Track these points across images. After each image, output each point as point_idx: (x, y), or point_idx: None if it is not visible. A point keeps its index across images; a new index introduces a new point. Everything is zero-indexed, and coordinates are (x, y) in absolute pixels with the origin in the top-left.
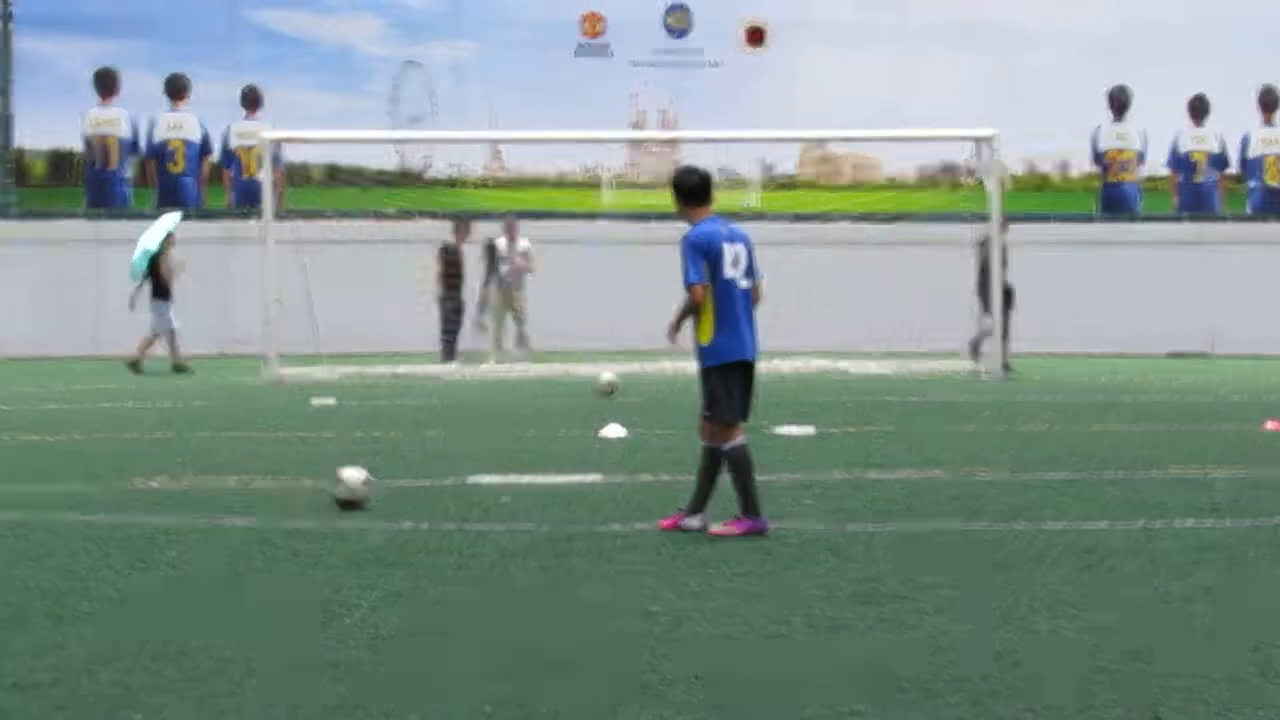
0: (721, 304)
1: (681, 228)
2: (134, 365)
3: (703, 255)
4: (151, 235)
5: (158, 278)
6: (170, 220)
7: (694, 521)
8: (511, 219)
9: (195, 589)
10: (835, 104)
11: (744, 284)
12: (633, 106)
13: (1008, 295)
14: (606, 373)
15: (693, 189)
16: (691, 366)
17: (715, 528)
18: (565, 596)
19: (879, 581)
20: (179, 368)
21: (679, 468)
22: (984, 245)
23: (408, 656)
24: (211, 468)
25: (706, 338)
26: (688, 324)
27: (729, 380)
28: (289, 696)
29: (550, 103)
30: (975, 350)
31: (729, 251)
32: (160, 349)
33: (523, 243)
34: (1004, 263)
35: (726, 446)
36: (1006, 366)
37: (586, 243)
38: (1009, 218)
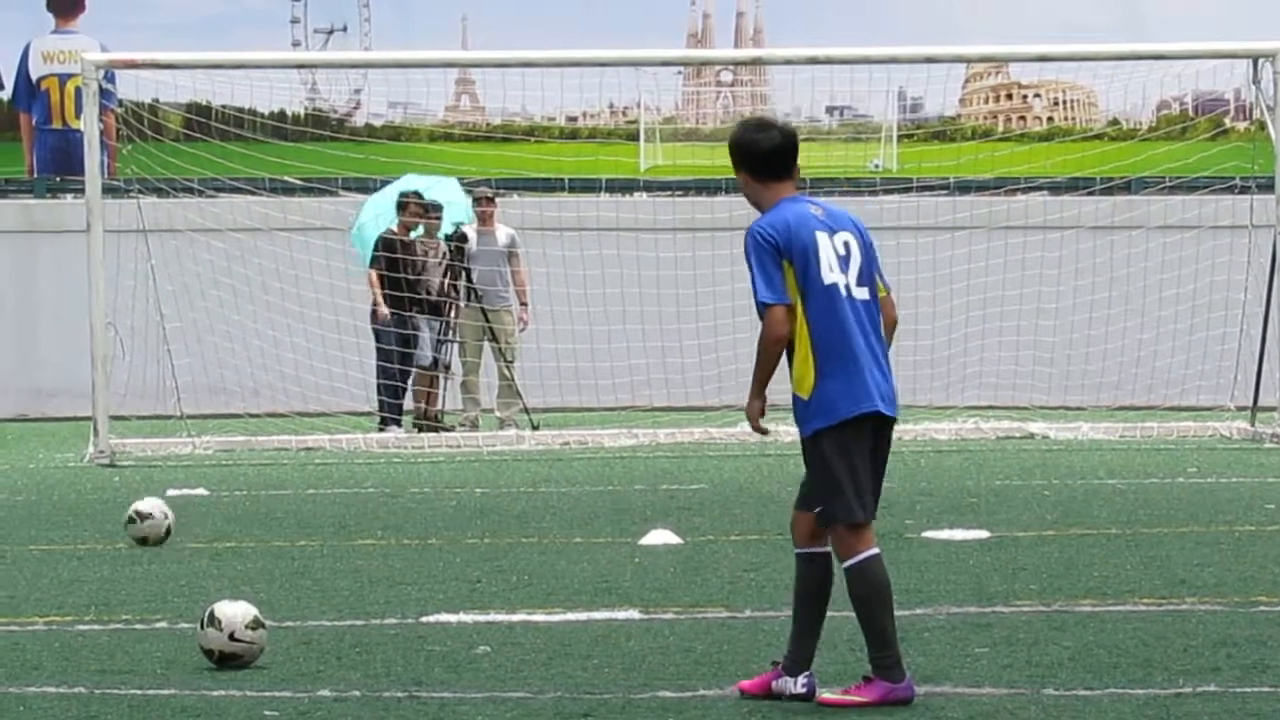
0: (824, 328)
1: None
2: (430, 422)
3: (777, 256)
4: (383, 205)
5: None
6: (444, 189)
7: (793, 684)
8: (487, 193)
9: None
10: (1023, 6)
11: (861, 292)
12: (694, 10)
13: None
14: (148, 503)
15: (767, 155)
16: (792, 429)
17: (827, 694)
18: None
19: None
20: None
21: (767, 596)
22: None
23: None
24: (10, 603)
25: (806, 387)
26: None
27: (850, 450)
28: None
29: (556, 8)
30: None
31: (828, 244)
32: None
33: (504, 231)
34: None
35: (850, 562)
36: None
37: (614, 230)
38: None
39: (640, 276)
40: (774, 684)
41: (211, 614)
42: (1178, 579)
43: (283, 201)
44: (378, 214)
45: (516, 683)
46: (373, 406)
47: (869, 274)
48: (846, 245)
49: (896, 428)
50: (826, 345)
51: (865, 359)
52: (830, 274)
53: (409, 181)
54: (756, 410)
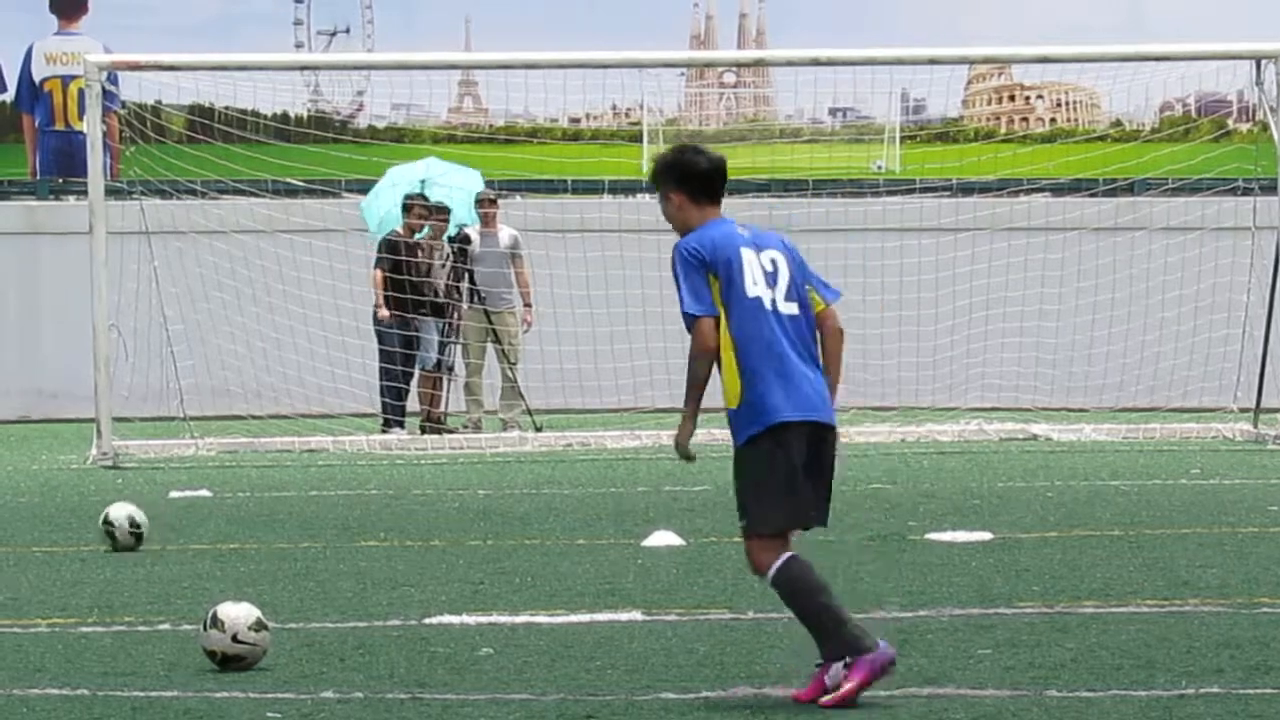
0: (749, 339)
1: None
2: (433, 423)
3: (704, 270)
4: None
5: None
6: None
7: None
8: (489, 194)
9: None
10: (1025, 7)
11: (789, 307)
12: (696, 12)
13: None
14: (123, 508)
15: (707, 176)
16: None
17: (825, 698)
18: None
19: None
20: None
21: (770, 598)
22: None
23: None
24: (13, 605)
25: (734, 397)
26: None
27: (776, 459)
28: None
29: (558, 10)
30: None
31: (753, 259)
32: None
33: (507, 233)
34: None
35: (771, 574)
36: None
37: (617, 232)
38: None
39: (643, 278)
40: (827, 677)
41: (214, 616)
42: (1181, 580)
43: (285, 203)
44: (392, 185)
45: (519, 684)
46: (376, 408)
47: (798, 291)
48: (774, 262)
49: (899, 429)
50: (752, 355)
51: (795, 368)
52: (754, 287)
53: (431, 165)
54: (688, 434)
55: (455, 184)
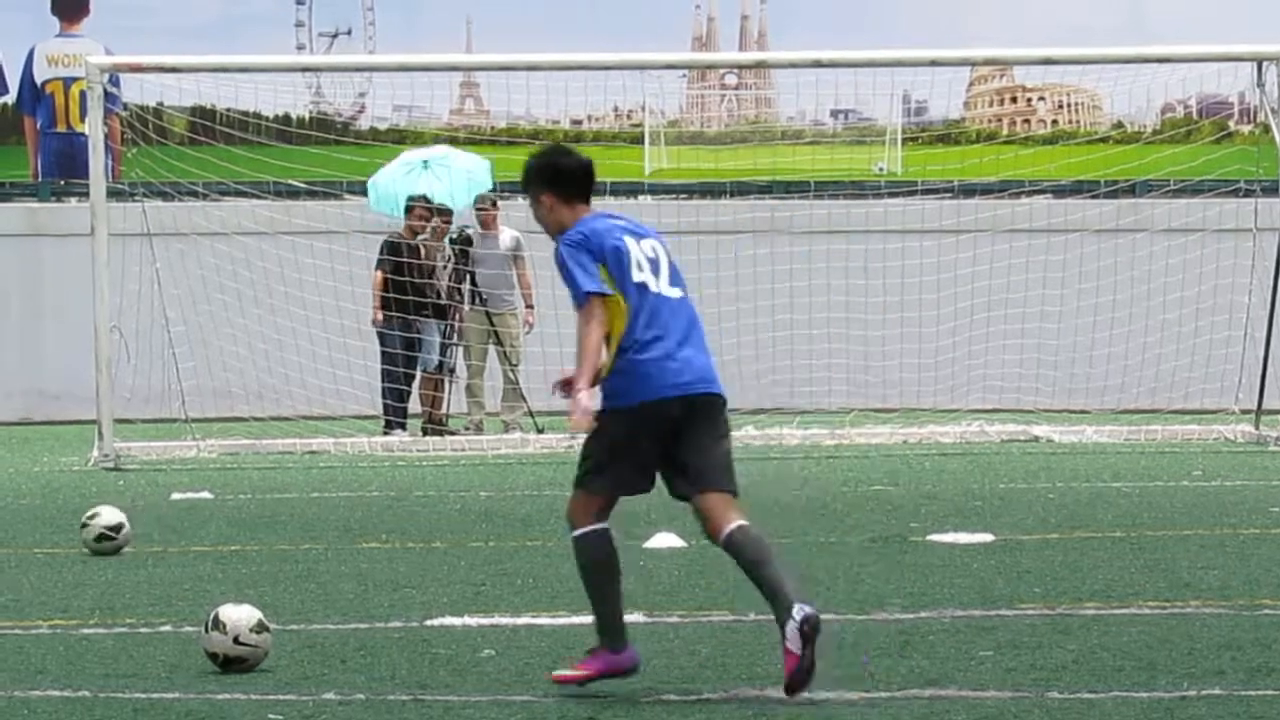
0: (631, 322)
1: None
2: (435, 425)
3: (592, 256)
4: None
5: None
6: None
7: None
8: (490, 196)
9: None
10: (1026, 9)
11: (672, 292)
12: (698, 13)
13: None
14: (106, 510)
15: (575, 176)
16: (798, 432)
17: (559, 672)
18: None
19: None
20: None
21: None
22: None
23: None
24: (14, 606)
25: (608, 370)
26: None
27: (631, 432)
28: None
29: (560, 11)
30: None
31: (635, 247)
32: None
33: (509, 234)
34: None
35: (576, 533)
36: None
37: None
38: None
39: None
40: (789, 645)
41: (216, 617)
42: (1182, 582)
43: (287, 205)
44: (395, 167)
45: (521, 686)
46: (377, 409)
47: (678, 279)
48: (655, 250)
49: (901, 430)
50: (631, 335)
51: (671, 348)
52: (639, 273)
53: (439, 151)
54: (577, 403)
55: (459, 165)
